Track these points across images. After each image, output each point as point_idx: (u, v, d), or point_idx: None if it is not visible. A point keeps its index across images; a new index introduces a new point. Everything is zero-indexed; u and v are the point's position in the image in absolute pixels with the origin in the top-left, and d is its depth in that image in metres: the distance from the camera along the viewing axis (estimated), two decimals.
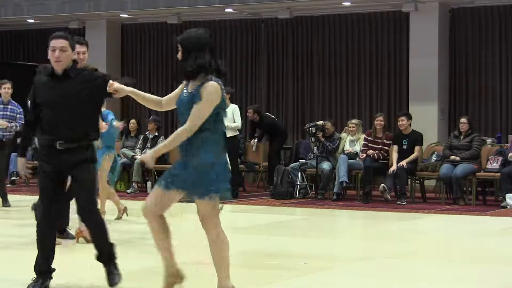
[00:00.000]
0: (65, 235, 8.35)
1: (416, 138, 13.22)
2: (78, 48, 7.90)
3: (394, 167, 12.92)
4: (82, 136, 5.87)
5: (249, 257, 7.90)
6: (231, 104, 13.74)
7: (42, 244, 5.89)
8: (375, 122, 13.58)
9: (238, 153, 14.16)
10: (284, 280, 6.61)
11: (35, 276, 5.88)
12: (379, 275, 6.86)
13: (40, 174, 5.91)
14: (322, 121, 14.24)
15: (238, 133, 13.85)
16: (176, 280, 5.63)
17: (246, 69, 17.90)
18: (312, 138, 14.00)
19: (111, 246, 6.00)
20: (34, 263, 5.88)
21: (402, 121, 13.27)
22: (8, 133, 11.80)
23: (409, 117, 13.35)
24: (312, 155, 14.07)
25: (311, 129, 13.88)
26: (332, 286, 6.45)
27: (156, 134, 15.04)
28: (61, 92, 5.83)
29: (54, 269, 5.95)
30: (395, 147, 13.21)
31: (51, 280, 5.94)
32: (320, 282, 6.57)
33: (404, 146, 13.17)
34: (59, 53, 5.81)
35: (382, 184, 12.95)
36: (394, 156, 13.14)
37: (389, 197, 12.73)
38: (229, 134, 13.52)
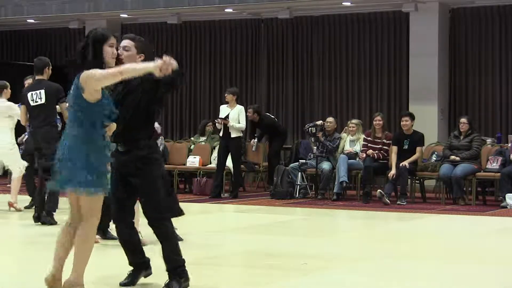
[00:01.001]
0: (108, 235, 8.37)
1: (418, 139, 13.20)
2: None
3: (393, 171, 12.84)
4: None
5: (249, 257, 7.90)
6: (237, 105, 13.77)
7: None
8: (374, 122, 13.58)
9: (240, 153, 14.16)
10: (284, 280, 6.61)
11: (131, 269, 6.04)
12: (379, 275, 6.86)
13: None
14: (321, 121, 14.23)
15: (242, 134, 13.87)
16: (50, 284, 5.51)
17: (246, 69, 17.90)
18: (312, 138, 14.00)
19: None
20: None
21: (406, 121, 13.23)
22: None
23: (413, 118, 13.30)
24: (311, 155, 14.06)
25: (311, 129, 13.88)
26: (332, 286, 6.45)
27: None
28: None
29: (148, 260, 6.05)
30: (395, 148, 13.16)
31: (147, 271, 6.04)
32: (320, 282, 6.57)
33: (406, 147, 13.14)
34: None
35: (379, 190, 12.89)
36: (394, 158, 13.08)
37: (388, 201, 12.67)
38: (233, 134, 13.57)
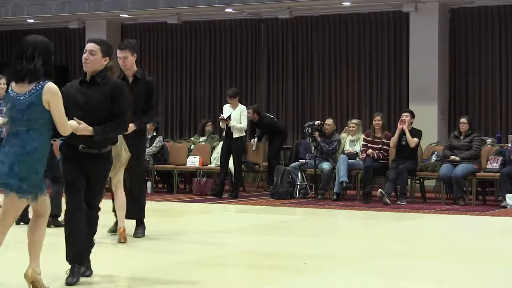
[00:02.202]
0: None
1: (415, 134, 13.20)
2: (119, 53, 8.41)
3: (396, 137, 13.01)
4: None
5: (249, 257, 7.90)
6: (239, 105, 13.79)
7: None
8: (373, 122, 13.57)
9: (242, 153, 14.17)
10: (284, 280, 6.61)
11: None
12: (379, 275, 6.86)
13: None
14: (319, 121, 14.21)
15: (244, 134, 13.87)
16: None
17: (246, 69, 17.91)
18: (310, 138, 14.01)
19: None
20: None
21: (406, 117, 13.23)
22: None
23: (413, 115, 13.32)
24: (310, 155, 14.06)
25: (308, 129, 13.90)
26: (332, 286, 6.45)
27: (155, 134, 15.04)
28: None
29: None
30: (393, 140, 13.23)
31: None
32: (320, 282, 6.57)
33: (403, 142, 13.16)
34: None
35: (380, 190, 12.90)
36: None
37: (388, 201, 12.67)
38: (235, 135, 13.58)
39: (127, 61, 8.50)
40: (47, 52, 5.62)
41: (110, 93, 6.05)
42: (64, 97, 5.60)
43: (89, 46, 6.12)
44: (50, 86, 5.49)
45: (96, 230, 6.19)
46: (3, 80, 11.93)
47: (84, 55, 6.11)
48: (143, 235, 8.57)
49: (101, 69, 6.15)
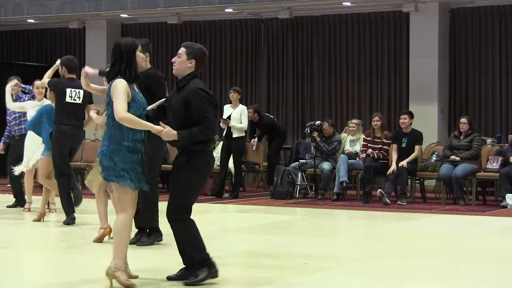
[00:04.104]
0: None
1: (416, 137, 13.21)
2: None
3: (393, 167, 12.89)
4: None
5: (249, 257, 7.90)
6: (240, 105, 13.82)
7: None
8: (372, 122, 13.57)
9: (242, 153, 14.18)
10: (284, 280, 6.61)
11: None
12: (379, 275, 6.86)
13: None
14: (319, 121, 14.20)
15: (244, 134, 13.88)
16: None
17: (246, 69, 17.91)
18: (309, 139, 14.01)
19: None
20: None
21: (404, 119, 13.24)
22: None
23: (411, 116, 13.31)
24: (309, 155, 14.05)
25: (307, 130, 13.91)
26: (332, 286, 6.45)
27: None
28: None
29: None
30: (395, 146, 13.19)
31: None
32: (320, 282, 6.57)
33: (404, 145, 13.16)
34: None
35: (379, 190, 12.89)
36: (394, 156, 13.11)
37: (388, 201, 12.67)
38: (235, 134, 13.59)
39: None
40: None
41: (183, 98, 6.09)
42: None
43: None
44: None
45: None
46: (15, 81, 11.97)
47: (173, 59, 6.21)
48: (148, 243, 8.15)
49: (188, 72, 6.12)
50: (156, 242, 8.15)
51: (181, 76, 6.14)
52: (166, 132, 5.90)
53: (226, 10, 16.83)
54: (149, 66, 8.31)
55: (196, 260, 6.07)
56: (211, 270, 6.12)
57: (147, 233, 8.19)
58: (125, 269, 5.95)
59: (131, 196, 5.94)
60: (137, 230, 8.13)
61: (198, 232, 6.11)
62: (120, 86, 5.90)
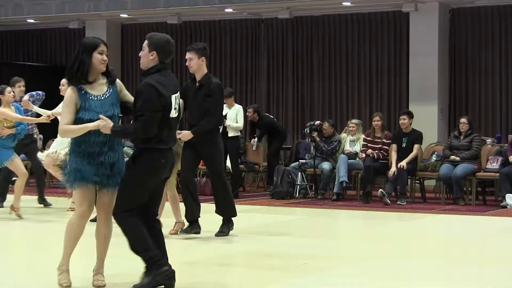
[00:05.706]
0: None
1: (416, 137, 13.21)
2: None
3: (393, 169, 12.88)
4: None
5: (249, 257, 7.90)
6: (236, 105, 13.86)
7: None
8: (373, 122, 13.58)
9: (238, 153, 14.19)
10: (284, 280, 6.61)
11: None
12: (379, 275, 6.86)
13: None
14: (319, 121, 14.21)
15: (239, 133, 13.90)
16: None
17: (246, 69, 17.90)
18: (309, 139, 14.01)
19: None
20: None
21: (404, 120, 13.25)
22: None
23: (411, 116, 13.32)
24: (309, 155, 14.05)
25: (306, 130, 13.92)
26: (332, 286, 6.45)
27: None
28: None
29: None
30: (394, 146, 13.19)
31: None
32: (320, 282, 6.57)
33: (404, 145, 13.17)
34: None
35: (380, 190, 12.90)
36: (394, 156, 13.10)
37: (388, 201, 12.67)
38: (230, 134, 13.60)
39: (192, 63, 8.70)
40: None
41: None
42: None
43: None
44: None
45: None
46: (22, 83, 11.95)
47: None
48: (226, 234, 9.00)
49: (152, 65, 5.97)
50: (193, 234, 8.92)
51: (146, 69, 5.94)
52: (104, 125, 5.77)
53: (226, 10, 16.83)
54: (205, 71, 8.77)
55: (143, 259, 5.89)
56: (157, 278, 5.84)
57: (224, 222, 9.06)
58: (67, 271, 6.00)
59: (79, 195, 5.92)
60: (188, 223, 8.99)
61: (140, 231, 5.84)
62: (66, 97, 5.88)
